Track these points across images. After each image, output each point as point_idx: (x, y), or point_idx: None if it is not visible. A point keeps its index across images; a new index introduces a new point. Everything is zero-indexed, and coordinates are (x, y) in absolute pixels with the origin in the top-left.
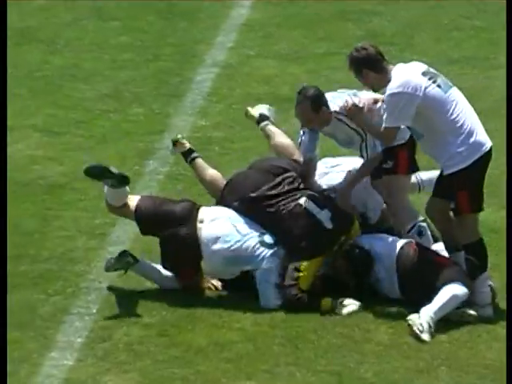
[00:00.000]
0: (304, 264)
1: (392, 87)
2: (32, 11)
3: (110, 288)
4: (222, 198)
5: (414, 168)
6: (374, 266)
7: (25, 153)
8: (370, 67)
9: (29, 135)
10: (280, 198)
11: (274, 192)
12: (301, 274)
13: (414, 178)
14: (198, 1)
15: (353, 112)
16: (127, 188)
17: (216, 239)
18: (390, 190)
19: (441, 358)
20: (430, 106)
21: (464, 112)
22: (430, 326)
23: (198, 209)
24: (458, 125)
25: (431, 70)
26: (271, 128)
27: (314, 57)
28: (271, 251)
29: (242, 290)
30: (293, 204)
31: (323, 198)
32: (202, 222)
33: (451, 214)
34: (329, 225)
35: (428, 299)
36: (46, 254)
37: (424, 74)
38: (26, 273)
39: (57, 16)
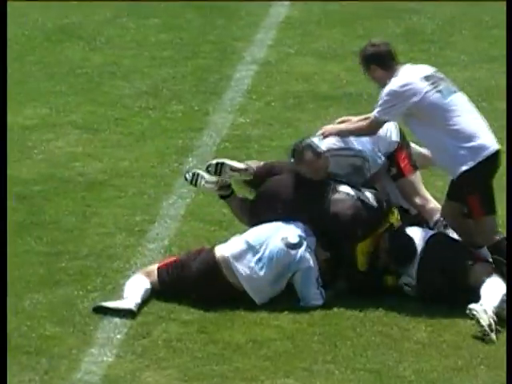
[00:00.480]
0: (361, 245)
1: (393, 83)
2: (72, 8)
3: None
4: (258, 211)
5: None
6: (415, 255)
7: (65, 150)
8: (378, 63)
9: (68, 132)
10: (318, 191)
11: (310, 188)
12: (358, 257)
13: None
14: None
15: (329, 130)
16: None
17: (251, 274)
18: (406, 193)
19: (480, 357)
20: (427, 111)
21: (464, 117)
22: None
23: (214, 258)
24: (457, 130)
25: (437, 74)
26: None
27: (352, 55)
28: (303, 249)
29: None
30: (332, 192)
31: (353, 183)
32: (226, 267)
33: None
34: (374, 203)
35: (446, 289)
36: (85, 251)
37: (427, 78)
38: (66, 269)
39: (97, 13)
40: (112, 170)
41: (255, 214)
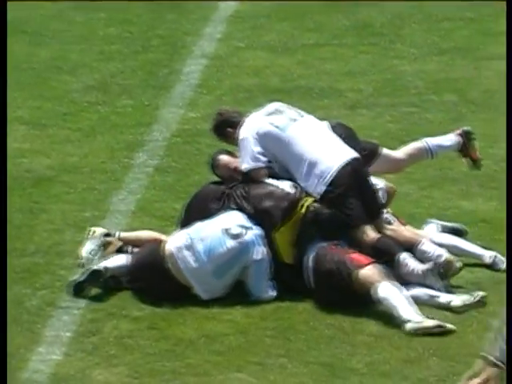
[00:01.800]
0: (279, 234)
1: (239, 134)
2: (18, 3)
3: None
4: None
5: None
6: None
7: (12, 146)
8: (229, 126)
9: (15, 128)
10: (246, 186)
11: (233, 187)
12: (281, 247)
13: (422, 144)
14: None
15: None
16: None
17: (194, 267)
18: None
19: (432, 349)
20: (269, 146)
21: (305, 145)
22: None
23: (164, 248)
24: (299, 160)
25: (280, 108)
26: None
27: (303, 48)
28: (250, 240)
29: None
30: (256, 185)
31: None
32: (172, 261)
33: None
34: (291, 190)
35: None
36: (33, 248)
37: (268, 115)
38: (13, 267)
39: (43, 7)
40: (60, 166)
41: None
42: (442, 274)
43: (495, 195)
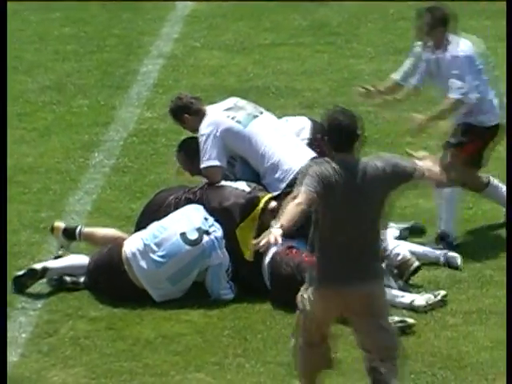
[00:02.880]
0: (240, 231)
1: (200, 129)
2: None
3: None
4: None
5: None
6: None
7: None
8: (187, 112)
9: None
10: (200, 189)
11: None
12: (242, 244)
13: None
14: None
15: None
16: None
17: (149, 271)
18: None
19: None
20: (230, 142)
21: (266, 143)
22: None
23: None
24: (261, 157)
25: (239, 103)
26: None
27: (259, 47)
28: (207, 244)
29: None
30: (213, 187)
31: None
32: (127, 264)
33: None
34: (247, 188)
35: None
36: None
37: (227, 109)
38: None
39: None
40: (16, 166)
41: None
42: (397, 274)
43: None
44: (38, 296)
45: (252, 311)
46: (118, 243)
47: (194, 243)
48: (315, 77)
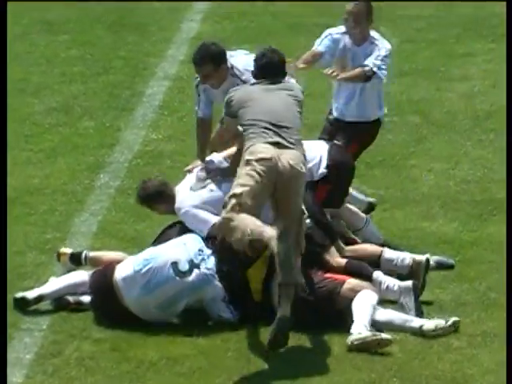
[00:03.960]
0: (252, 271)
1: (177, 207)
2: None
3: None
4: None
5: None
6: None
7: None
8: (160, 201)
9: None
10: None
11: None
12: (252, 285)
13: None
14: (148, 14)
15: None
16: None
17: (138, 299)
18: None
19: (393, 370)
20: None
21: None
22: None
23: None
24: None
25: (199, 183)
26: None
27: None
28: (199, 276)
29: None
30: None
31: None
32: (118, 290)
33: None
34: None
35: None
36: None
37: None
38: None
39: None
40: (22, 188)
41: None
42: (411, 276)
43: (456, 216)
44: (42, 316)
45: (256, 333)
46: (111, 267)
47: (183, 275)
48: (319, 99)
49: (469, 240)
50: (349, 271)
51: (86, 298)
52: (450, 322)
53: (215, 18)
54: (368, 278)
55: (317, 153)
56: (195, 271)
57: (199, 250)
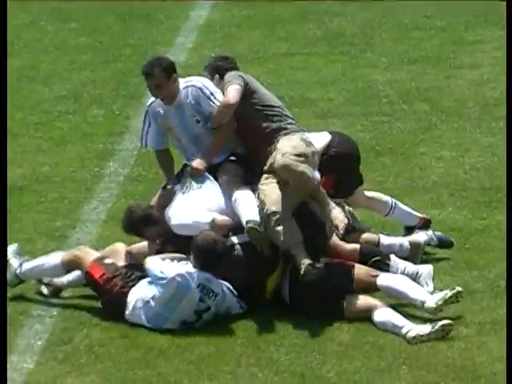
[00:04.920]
0: (272, 277)
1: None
2: None
3: (71, 290)
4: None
5: None
6: None
7: None
8: (149, 225)
9: None
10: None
11: None
12: (268, 286)
13: (388, 200)
14: (156, 2)
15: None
16: None
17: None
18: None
19: (402, 358)
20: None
21: None
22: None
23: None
24: None
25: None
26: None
27: (274, 57)
28: (208, 318)
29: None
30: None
31: None
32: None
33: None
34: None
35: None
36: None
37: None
38: None
39: (15, 17)
40: (32, 176)
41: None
42: (411, 259)
43: (466, 204)
44: (53, 304)
45: (265, 321)
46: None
47: (184, 324)
48: (329, 86)
49: (478, 228)
50: (364, 254)
51: (71, 277)
52: (436, 327)
53: (224, 6)
54: (379, 258)
55: (320, 145)
56: (204, 316)
57: (200, 300)
